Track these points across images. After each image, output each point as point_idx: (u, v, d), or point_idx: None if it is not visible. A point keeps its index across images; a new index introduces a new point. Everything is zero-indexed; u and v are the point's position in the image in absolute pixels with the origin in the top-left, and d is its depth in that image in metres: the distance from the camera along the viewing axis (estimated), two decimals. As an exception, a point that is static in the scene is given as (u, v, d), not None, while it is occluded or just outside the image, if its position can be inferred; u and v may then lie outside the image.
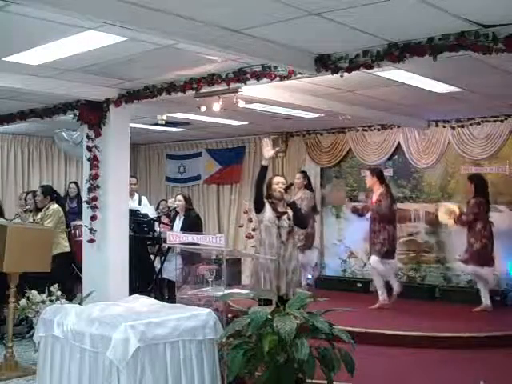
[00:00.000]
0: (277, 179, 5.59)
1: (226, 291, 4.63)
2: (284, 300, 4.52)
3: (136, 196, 9.00)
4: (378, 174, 7.66)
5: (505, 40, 3.94)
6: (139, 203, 8.98)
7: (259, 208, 5.48)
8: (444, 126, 8.43)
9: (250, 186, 10.54)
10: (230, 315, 4.77)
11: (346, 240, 9.43)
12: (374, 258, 7.41)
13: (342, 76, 4.78)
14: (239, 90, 5.74)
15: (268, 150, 5.42)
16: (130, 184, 8.69)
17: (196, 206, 9.05)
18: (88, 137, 6.58)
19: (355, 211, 7.92)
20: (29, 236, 5.56)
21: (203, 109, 6.68)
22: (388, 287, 7.50)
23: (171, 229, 7.71)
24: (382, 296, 7.42)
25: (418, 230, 8.82)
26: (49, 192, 7.37)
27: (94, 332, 3.77)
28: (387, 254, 7.47)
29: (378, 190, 7.57)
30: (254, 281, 5.52)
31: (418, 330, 6.22)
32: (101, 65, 5.29)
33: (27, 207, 7.78)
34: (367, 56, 4.53)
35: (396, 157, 9.01)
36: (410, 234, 8.88)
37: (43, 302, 5.49)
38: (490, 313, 7.11)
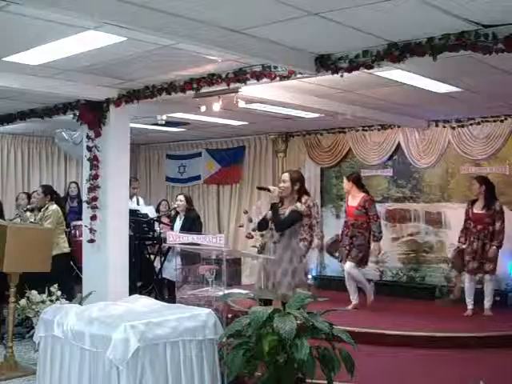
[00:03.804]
0: (282, 176, 5.45)
1: (226, 291, 4.64)
2: (269, 302, 4.52)
3: (134, 197, 9.04)
4: (354, 179, 7.62)
5: (505, 40, 3.94)
6: (137, 203, 9.03)
7: (261, 230, 5.60)
8: (444, 126, 8.43)
9: (251, 186, 10.54)
10: (229, 315, 4.77)
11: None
12: (350, 264, 7.38)
13: (341, 76, 4.78)
14: (239, 90, 5.74)
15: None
16: (134, 188, 8.84)
17: (196, 206, 9.07)
18: (88, 137, 6.58)
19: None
20: (29, 236, 5.55)
21: (203, 109, 6.69)
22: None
23: (171, 229, 7.72)
24: (355, 299, 7.37)
25: (418, 229, 8.82)
26: (49, 191, 7.37)
27: (94, 332, 3.77)
28: (362, 260, 7.48)
29: (357, 195, 7.52)
30: (255, 281, 5.53)
31: (417, 330, 6.21)
32: (101, 65, 5.29)
33: (28, 206, 7.78)
34: (367, 56, 4.53)
35: (396, 157, 9.00)
36: (410, 234, 8.88)
37: (43, 301, 5.50)
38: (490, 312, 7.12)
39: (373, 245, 7.40)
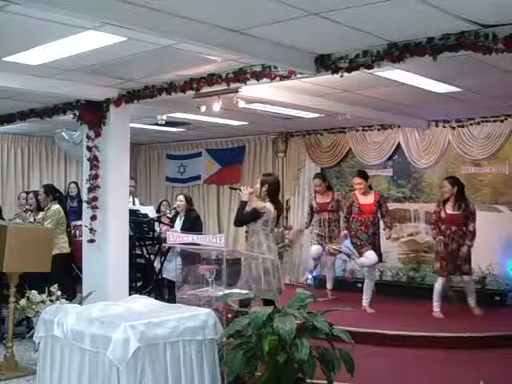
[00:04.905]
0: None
1: (226, 291, 4.64)
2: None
3: (130, 197, 9.04)
4: (368, 177, 7.62)
5: (505, 40, 3.94)
6: (133, 203, 9.04)
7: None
8: (444, 126, 8.43)
9: (251, 186, 10.53)
10: (229, 315, 4.77)
11: (346, 240, 9.40)
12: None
13: (341, 76, 4.78)
14: (239, 90, 5.75)
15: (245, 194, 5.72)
16: (131, 186, 8.82)
17: (196, 206, 9.07)
18: (88, 137, 6.58)
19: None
20: (29, 236, 5.55)
21: (203, 109, 6.68)
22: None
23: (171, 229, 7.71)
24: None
25: (418, 229, 8.82)
26: (51, 191, 7.37)
27: (94, 332, 3.77)
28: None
29: (369, 193, 7.52)
30: None
31: (418, 330, 6.22)
32: (101, 65, 5.29)
33: (27, 207, 7.78)
34: (367, 56, 4.53)
35: (396, 157, 9.01)
36: (410, 234, 8.87)
37: (43, 301, 5.49)
38: (491, 313, 7.09)
39: (387, 231, 7.50)
